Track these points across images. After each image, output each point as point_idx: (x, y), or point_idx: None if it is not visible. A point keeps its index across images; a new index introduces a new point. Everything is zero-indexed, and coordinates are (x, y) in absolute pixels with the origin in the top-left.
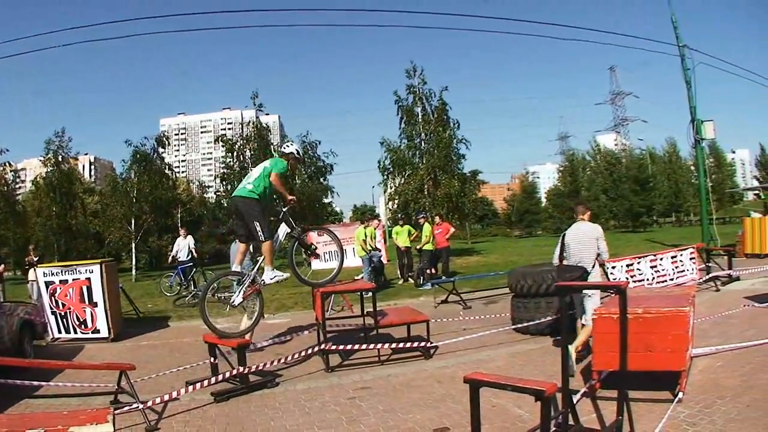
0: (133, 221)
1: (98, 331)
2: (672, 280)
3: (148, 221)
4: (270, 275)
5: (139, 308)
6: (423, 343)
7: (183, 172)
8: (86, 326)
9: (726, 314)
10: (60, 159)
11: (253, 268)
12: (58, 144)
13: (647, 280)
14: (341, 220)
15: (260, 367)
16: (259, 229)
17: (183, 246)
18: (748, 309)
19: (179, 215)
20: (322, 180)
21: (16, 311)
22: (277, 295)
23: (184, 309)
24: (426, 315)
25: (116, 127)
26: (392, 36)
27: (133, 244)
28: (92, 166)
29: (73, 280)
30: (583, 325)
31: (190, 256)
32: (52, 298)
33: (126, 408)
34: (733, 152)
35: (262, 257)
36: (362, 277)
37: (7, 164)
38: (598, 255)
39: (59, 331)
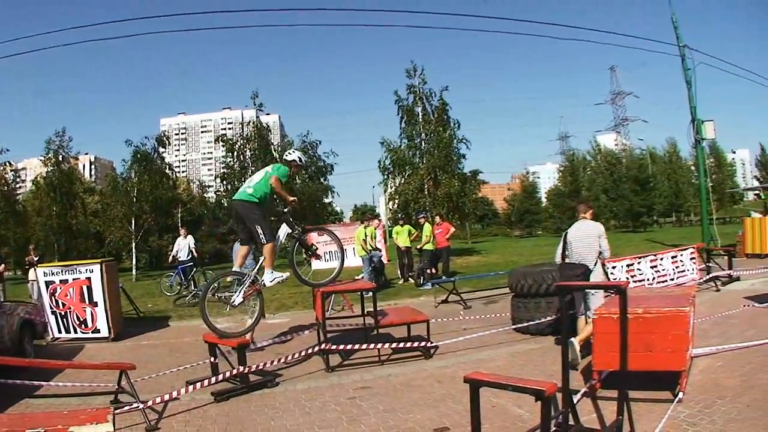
0: (133, 221)
1: (98, 331)
2: (672, 280)
3: (148, 221)
4: (270, 277)
5: (139, 308)
6: (423, 343)
7: (183, 171)
8: (86, 326)
9: (726, 314)
10: (60, 158)
11: (253, 269)
12: (59, 143)
13: (647, 280)
14: (341, 220)
15: (260, 367)
16: (260, 232)
17: (183, 246)
18: (749, 309)
19: (179, 215)
20: (322, 180)
21: (17, 311)
22: (277, 294)
23: (184, 309)
24: (426, 315)
25: (116, 126)
26: (392, 36)
27: (134, 244)
28: (92, 166)
29: (74, 279)
30: (587, 321)
31: (190, 256)
32: (53, 297)
33: (126, 408)
34: (734, 152)
35: (263, 257)
36: (362, 277)
37: (7, 164)
38: (600, 253)
39: (59, 331)
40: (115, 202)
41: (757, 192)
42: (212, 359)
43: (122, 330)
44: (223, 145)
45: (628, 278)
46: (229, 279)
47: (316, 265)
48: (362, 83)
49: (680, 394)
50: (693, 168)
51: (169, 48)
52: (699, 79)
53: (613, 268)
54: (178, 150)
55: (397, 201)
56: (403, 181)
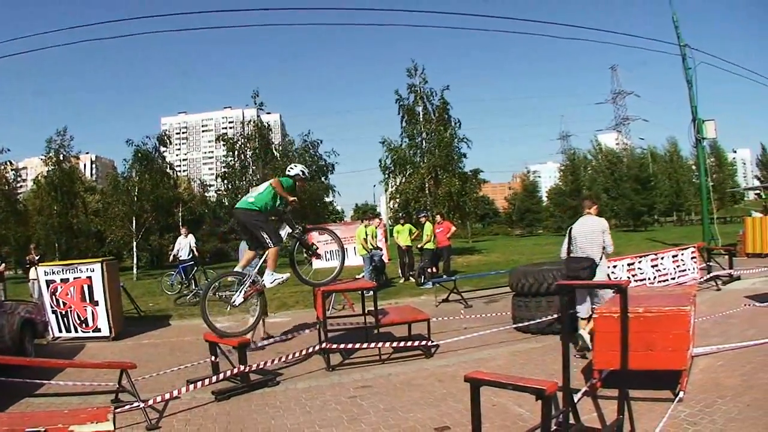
0: (134, 220)
1: (99, 330)
2: (673, 279)
3: (149, 220)
4: (270, 278)
5: (140, 307)
6: (424, 342)
7: (184, 171)
8: (87, 325)
9: (727, 314)
10: (61, 158)
11: (254, 269)
12: (60, 143)
13: (648, 279)
14: (342, 219)
15: (261, 366)
16: (266, 236)
17: (184, 245)
18: (749, 308)
19: (180, 214)
20: (323, 179)
21: (17, 310)
22: (278, 293)
23: (185, 308)
24: (427, 314)
25: (117, 125)
26: (393, 35)
27: (134, 243)
28: (93, 165)
29: (74, 278)
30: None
31: (191, 255)
32: (53, 296)
33: (127, 407)
34: (734, 152)
35: (264, 258)
36: (363, 276)
37: (8, 163)
38: (603, 248)
39: (60, 330)
40: (115, 201)
41: (757, 191)
42: (213, 358)
43: (123, 329)
44: (223, 145)
45: (629, 277)
46: (230, 279)
47: (316, 264)
48: (363, 82)
49: (681, 394)
50: (694, 167)
51: (170, 47)
52: (700, 79)
53: (614, 267)
54: (179, 149)
55: (397, 200)
56: (403, 180)
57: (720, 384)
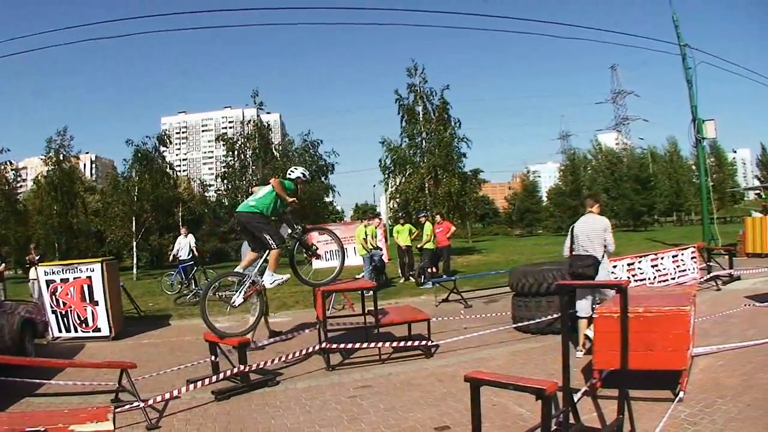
0: (134, 220)
1: (99, 330)
2: (673, 279)
3: (149, 220)
4: (270, 279)
5: (140, 307)
6: (424, 342)
7: (184, 170)
8: (87, 325)
9: (727, 313)
10: (61, 158)
11: (255, 270)
12: (60, 143)
13: (648, 279)
14: (342, 219)
15: (261, 366)
16: (268, 238)
17: (184, 244)
18: (749, 308)
19: (180, 214)
20: (323, 179)
21: (17, 310)
22: (278, 293)
23: (185, 307)
24: (427, 314)
25: (117, 125)
26: (393, 35)
27: (134, 243)
28: (93, 165)
29: (74, 278)
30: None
31: (191, 255)
32: (53, 296)
33: (127, 406)
34: (734, 152)
35: (264, 258)
36: (363, 276)
37: (8, 163)
38: (605, 247)
39: (60, 330)
40: (115, 201)
41: (757, 191)
42: (213, 358)
43: (123, 329)
44: (223, 145)
45: (629, 277)
46: (230, 279)
47: (316, 264)
48: (363, 82)
49: (681, 394)
50: (694, 167)
51: (170, 47)
52: (700, 79)
53: (614, 267)
54: (179, 149)
55: (397, 200)
56: (403, 180)
57: (720, 384)
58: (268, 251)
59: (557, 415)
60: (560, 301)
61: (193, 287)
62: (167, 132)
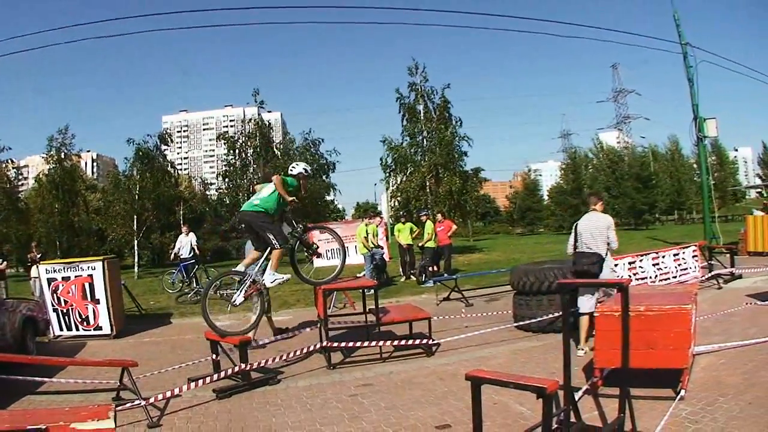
0: (135, 218)
1: (100, 328)
2: (675, 277)
3: (150, 218)
4: (271, 278)
5: (141, 305)
6: (425, 341)
7: (185, 169)
8: (88, 323)
9: (728, 312)
10: (62, 156)
11: (256, 268)
12: (61, 141)
13: (650, 277)
14: (343, 218)
15: (262, 364)
16: (272, 237)
17: (185, 243)
18: (751, 307)
19: (181, 212)
20: (324, 177)
21: (19, 308)
22: (279, 292)
23: (186, 306)
24: (428, 312)
25: (118, 124)
26: (393, 33)
27: (136, 241)
28: (94, 163)
29: (76, 277)
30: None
31: (192, 253)
32: (55, 295)
33: (128, 404)
34: (736, 150)
35: (267, 257)
36: (364, 275)
37: (9, 161)
38: (608, 244)
39: (61, 328)
40: (117, 199)
41: (759, 190)
42: (214, 356)
43: (124, 327)
44: (224, 143)
45: (630, 276)
46: (231, 277)
47: (317, 262)
48: (364, 81)
49: (682, 392)
50: (695, 166)
51: (171, 46)
52: (701, 77)
53: (615, 265)
54: (180, 147)
55: (398, 198)
56: (404, 179)
57: (721, 382)
58: (271, 250)
59: (558, 414)
60: (561, 300)
61: (194, 286)
62: (168, 130)
